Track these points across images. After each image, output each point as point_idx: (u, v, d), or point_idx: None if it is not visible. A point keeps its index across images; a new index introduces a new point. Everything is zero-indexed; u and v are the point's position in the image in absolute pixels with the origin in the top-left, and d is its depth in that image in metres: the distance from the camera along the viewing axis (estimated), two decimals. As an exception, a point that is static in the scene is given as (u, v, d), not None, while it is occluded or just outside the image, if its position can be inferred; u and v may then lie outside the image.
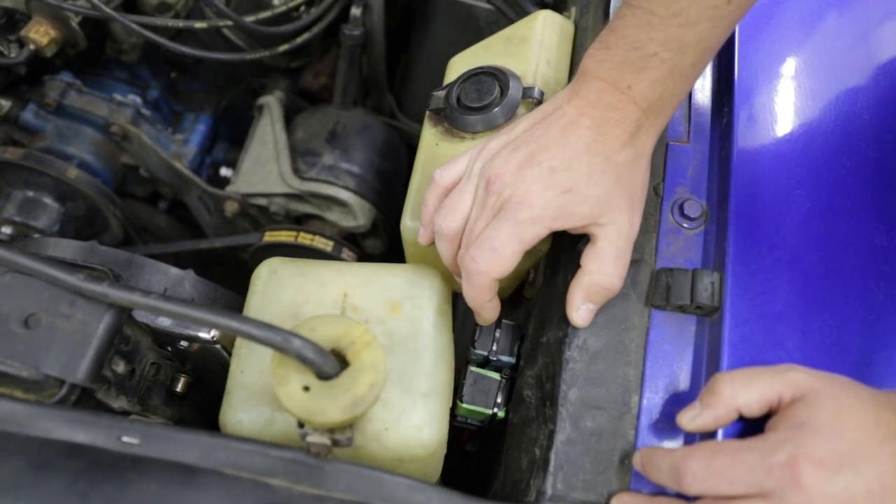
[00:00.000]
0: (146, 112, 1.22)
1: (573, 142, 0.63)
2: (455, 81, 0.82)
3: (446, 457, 0.68)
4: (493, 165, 0.65)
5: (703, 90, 0.78)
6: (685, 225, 0.69)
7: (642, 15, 0.61)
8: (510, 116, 0.78)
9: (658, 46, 0.61)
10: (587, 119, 0.63)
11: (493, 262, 0.62)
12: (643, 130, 0.64)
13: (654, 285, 0.66)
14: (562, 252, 0.73)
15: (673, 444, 0.60)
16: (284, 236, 1.13)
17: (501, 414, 0.72)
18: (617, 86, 0.63)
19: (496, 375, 0.72)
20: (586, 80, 0.65)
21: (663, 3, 0.60)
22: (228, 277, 1.01)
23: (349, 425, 0.56)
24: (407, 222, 0.77)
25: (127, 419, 0.58)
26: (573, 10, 0.94)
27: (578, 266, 0.64)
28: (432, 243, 0.70)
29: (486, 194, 0.64)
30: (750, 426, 0.57)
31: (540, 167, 0.62)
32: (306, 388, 0.53)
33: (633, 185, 0.64)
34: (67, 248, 0.87)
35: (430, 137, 0.81)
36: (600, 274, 0.63)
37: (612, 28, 0.64)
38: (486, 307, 0.67)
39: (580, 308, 0.64)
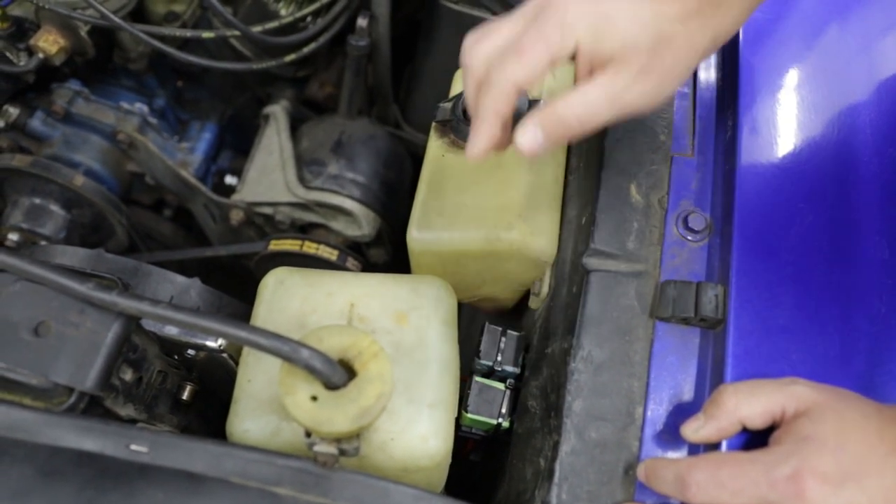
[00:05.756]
0: (153, 120, 1.23)
1: None
2: (461, 93, 0.83)
3: (450, 466, 0.68)
4: None
5: (707, 103, 0.78)
6: (689, 237, 0.69)
7: None
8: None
9: None
10: None
11: None
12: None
13: (658, 297, 0.66)
14: (567, 263, 0.73)
15: (677, 455, 0.60)
16: (289, 245, 1.13)
17: (506, 424, 0.72)
18: None
19: (501, 386, 0.72)
20: None
21: None
22: (233, 285, 1.02)
23: (356, 435, 0.56)
24: (413, 233, 0.77)
25: (135, 427, 0.58)
26: (578, 22, 0.94)
27: (583, 274, 0.64)
28: (436, 257, 0.69)
29: None
30: (753, 439, 0.57)
31: None
32: (314, 398, 0.54)
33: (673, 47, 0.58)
34: (75, 256, 0.88)
35: (436, 149, 0.82)
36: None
37: None
38: None
39: (528, 131, 0.59)
